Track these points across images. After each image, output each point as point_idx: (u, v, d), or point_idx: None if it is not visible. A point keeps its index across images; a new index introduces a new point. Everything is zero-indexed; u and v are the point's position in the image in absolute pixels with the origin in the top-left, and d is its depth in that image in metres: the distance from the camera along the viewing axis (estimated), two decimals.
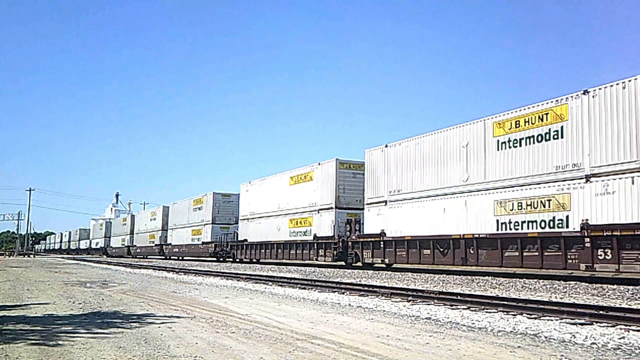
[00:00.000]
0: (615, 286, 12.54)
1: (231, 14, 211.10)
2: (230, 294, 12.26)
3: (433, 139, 19.54)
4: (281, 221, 29.97)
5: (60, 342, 5.92)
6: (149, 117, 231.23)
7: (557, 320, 7.70)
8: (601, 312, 7.86)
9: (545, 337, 6.37)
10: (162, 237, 49.85)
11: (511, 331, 6.86)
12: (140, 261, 42.42)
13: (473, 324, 7.53)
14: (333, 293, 12.38)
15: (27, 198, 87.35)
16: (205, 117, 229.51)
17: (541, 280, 14.64)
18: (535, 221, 15.43)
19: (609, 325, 7.18)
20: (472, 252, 17.38)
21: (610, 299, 10.46)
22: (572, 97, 14.83)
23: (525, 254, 15.59)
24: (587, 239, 13.99)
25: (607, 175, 13.83)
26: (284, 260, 29.82)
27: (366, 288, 12.60)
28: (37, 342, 5.97)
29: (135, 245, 57.75)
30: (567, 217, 14.63)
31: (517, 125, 16.30)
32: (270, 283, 15.61)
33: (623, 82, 13.70)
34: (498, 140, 16.87)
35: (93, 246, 77.00)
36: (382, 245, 21.46)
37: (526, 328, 7.05)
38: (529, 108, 16.01)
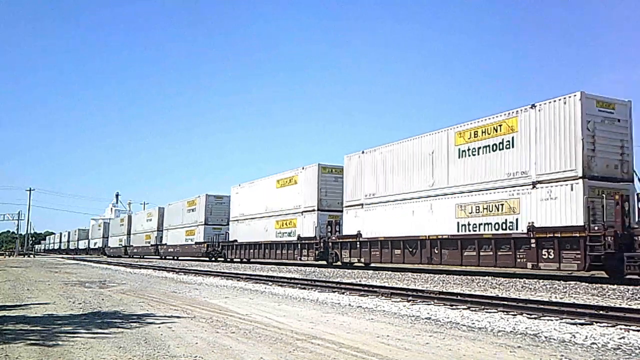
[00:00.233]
0: (615, 286, 12.56)
1: (231, 14, 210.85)
2: (230, 294, 12.26)
3: (404, 147, 20.74)
4: (268, 222, 30.88)
5: (60, 342, 5.92)
6: (149, 117, 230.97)
7: (557, 320, 7.70)
8: (601, 312, 7.87)
9: (545, 337, 6.37)
10: (157, 237, 50.24)
11: (511, 331, 6.86)
12: (139, 261, 42.48)
13: (473, 324, 7.53)
14: (333, 293, 12.38)
15: (27, 198, 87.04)
16: (205, 117, 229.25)
17: (541, 280, 14.67)
18: (490, 223, 16.66)
19: (609, 325, 7.18)
20: (436, 252, 18.62)
21: (610, 299, 10.47)
22: (521, 110, 16.10)
23: (481, 253, 16.80)
24: (533, 240, 15.17)
25: (550, 182, 15.01)
26: (271, 260, 30.58)
27: (366, 288, 12.61)
28: (37, 342, 5.96)
29: (132, 246, 58.09)
30: (517, 220, 15.79)
31: (476, 135, 17.56)
32: (270, 283, 15.62)
33: (564, 98, 14.87)
34: (459, 149, 18.13)
35: (92, 246, 77.19)
36: (358, 246, 22.77)
37: (526, 328, 7.05)
38: (485, 120, 17.42)
